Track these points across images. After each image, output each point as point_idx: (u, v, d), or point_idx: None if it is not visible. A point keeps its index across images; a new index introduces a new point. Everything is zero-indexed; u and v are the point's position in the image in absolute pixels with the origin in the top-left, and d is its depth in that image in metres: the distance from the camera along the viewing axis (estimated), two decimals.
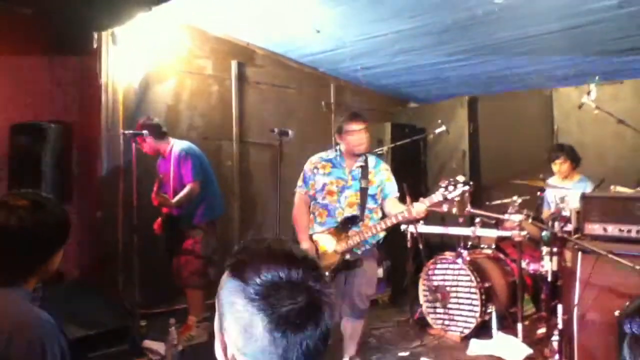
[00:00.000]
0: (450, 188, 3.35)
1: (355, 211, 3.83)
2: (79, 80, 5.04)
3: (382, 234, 3.90)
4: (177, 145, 4.62)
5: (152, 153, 4.65)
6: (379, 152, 6.22)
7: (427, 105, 7.54)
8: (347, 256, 3.75)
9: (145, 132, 4.46)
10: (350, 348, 3.99)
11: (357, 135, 3.82)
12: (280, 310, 0.94)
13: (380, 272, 3.95)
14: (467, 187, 3.35)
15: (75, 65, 5.01)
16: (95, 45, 4.97)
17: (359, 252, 3.82)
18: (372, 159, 3.97)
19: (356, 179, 3.89)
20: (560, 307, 3.62)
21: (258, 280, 0.97)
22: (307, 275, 0.99)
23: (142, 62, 5.23)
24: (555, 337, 4.03)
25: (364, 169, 3.89)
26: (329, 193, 3.90)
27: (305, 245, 3.76)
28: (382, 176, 3.91)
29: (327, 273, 3.60)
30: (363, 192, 3.84)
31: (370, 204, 3.87)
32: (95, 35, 4.94)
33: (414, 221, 3.70)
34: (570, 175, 5.16)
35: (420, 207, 3.48)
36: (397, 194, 3.90)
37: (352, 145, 3.85)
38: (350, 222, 3.81)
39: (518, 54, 5.53)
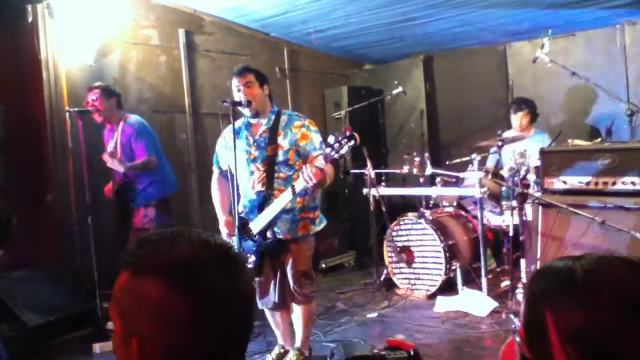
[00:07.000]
0: (336, 146, 2.84)
1: (261, 187, 3.23)
2: (15, 58, 4.74)
3: (313, 204, 3.33)
4: (131, 118, 4.42)
5: (103, 119, 4.39)
6: (337, 117, 6.18)
7: (383, 66, 7.48)
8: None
9: (92, 108, 4.25)
10: (297, 338, 3.45)
11: (236, 93, 3.25)
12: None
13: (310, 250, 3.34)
14: (352, 142, 2.83)
15: (10, 41, 4.69)
16: (30, 19, 4.67)
17: (280, 233, 3.25)
18: (285, 117, 3.29)
19: (262, 147, 3.26)
20: (523, 261, 3.69)
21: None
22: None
23: (84, 35, 4.96)
24: (519, 290, 4.12)
25: (273, 131, 3.24)
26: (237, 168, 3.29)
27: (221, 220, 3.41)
28: (294, 136, 3.22)
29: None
30: (269, 161, 3.22)
31: (282, 171, 3.22)
32: (29, 9, 4.64)
33: (314, 186, 2.96)
34: (527, 129, 5.20)
35: (307, 170, 2.89)
36: (320, 152, 3.02)
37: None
38: (262, 202, 3.22)
39: (471, 10, 5.48)
